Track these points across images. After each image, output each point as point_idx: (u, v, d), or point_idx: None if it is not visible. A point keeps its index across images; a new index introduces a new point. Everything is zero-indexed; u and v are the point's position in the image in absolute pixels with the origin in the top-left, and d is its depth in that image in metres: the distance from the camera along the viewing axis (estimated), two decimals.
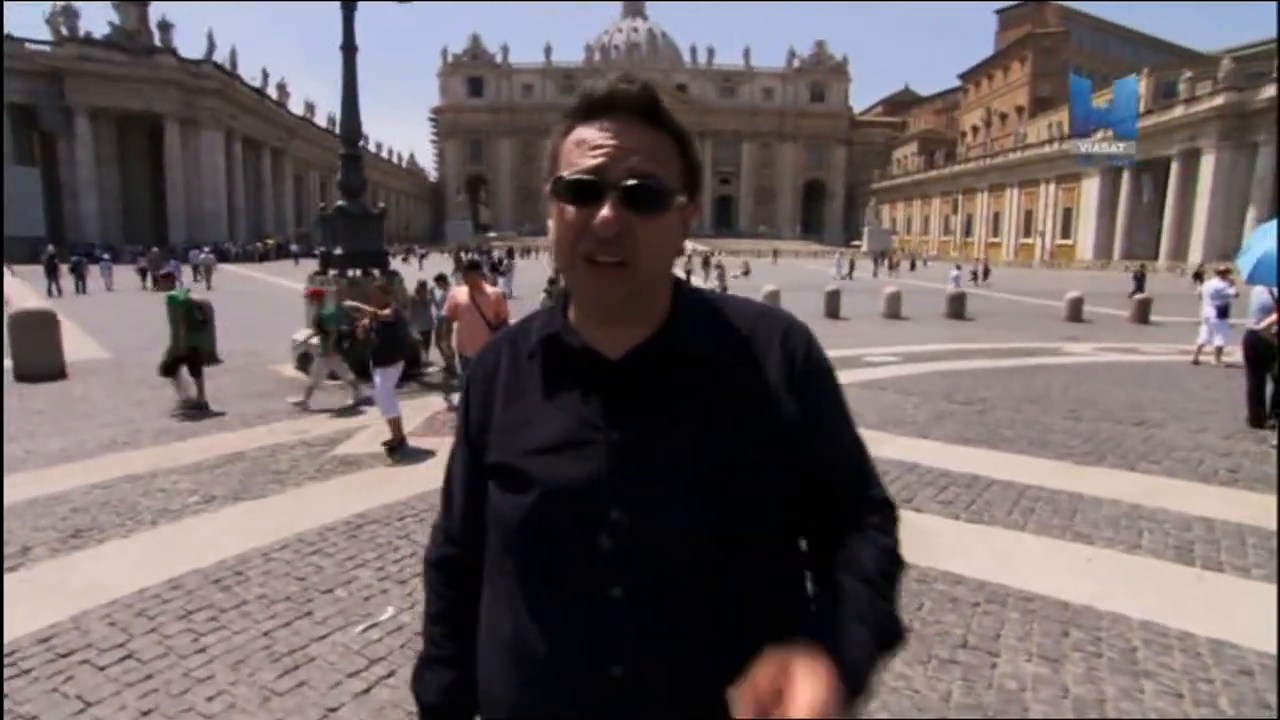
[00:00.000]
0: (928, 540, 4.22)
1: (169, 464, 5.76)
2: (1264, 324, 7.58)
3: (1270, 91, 41.20)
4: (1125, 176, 52.73)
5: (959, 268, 24.99)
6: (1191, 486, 5.38)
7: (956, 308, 19.74)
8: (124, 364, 10.78)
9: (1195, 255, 45.31)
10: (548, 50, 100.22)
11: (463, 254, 55.38)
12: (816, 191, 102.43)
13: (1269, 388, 7.44)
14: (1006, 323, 18.38)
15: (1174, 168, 47.88)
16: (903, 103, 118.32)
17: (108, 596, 3.49)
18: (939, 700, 2.72)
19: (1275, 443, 6.58)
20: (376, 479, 5.50)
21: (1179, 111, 46.61)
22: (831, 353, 0.96)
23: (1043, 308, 22.46)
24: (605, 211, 0.80)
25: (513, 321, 1.24)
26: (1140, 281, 27.37)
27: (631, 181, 0.81)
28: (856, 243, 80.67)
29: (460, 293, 6.83)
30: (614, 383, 0.87)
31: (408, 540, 4.24)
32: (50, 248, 29.35)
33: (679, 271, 0.95)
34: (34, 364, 9.61)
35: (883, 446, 6.31)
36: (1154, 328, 17.68)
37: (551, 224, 0.86)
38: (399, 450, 6.18)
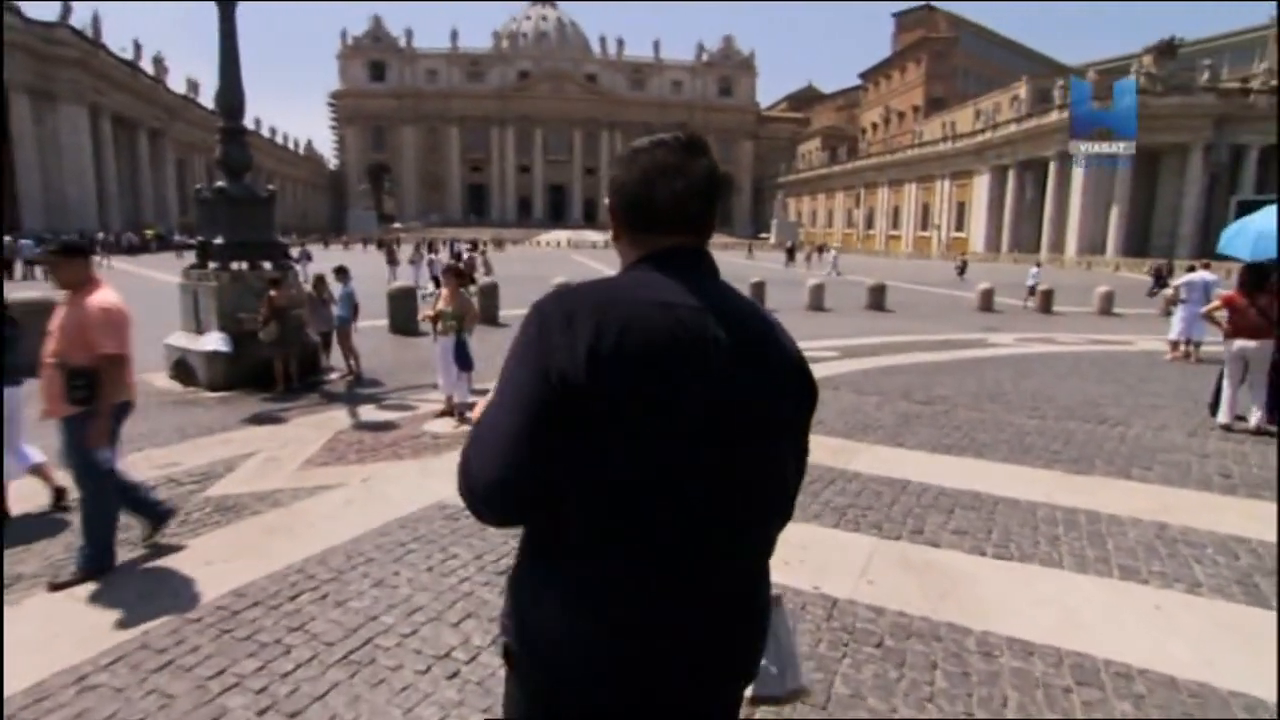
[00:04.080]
0: (969, 591, 3.49)
1: None
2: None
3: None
4: (1010, 175, 56.16)
5: (1038, 265, 24.63)
6: (1199, 497, 4.98)
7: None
8: None
9: (1071, 248, 48.99)
10: (454, 35, 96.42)
11: (374, 245, 50.20)
12: (725, 185, 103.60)
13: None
14: (925, 314, 18.51)
15: (1051, 168, 51.31)
16: (806, 99, 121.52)
17: None
18: None
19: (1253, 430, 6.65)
20: (261, 531, 4.21)
21: (1054, 116, 49.58)
22: None
23: (954, 299, 22.98)
24: None
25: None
26: (1160, 279, 25.63)
27: None
28: (764, 235, 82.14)
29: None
30: None
31: (302, 633, 3.01)
32: None
33: None
34: None
35: (857, 457, 5.64)
36: (1058, 317, 18.44)
37: None
38: None
